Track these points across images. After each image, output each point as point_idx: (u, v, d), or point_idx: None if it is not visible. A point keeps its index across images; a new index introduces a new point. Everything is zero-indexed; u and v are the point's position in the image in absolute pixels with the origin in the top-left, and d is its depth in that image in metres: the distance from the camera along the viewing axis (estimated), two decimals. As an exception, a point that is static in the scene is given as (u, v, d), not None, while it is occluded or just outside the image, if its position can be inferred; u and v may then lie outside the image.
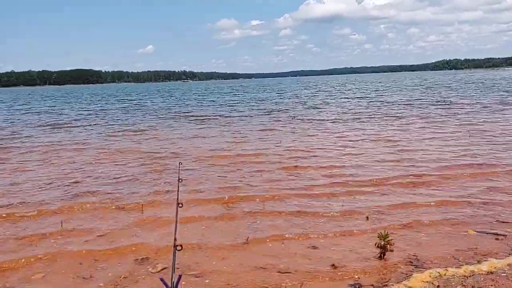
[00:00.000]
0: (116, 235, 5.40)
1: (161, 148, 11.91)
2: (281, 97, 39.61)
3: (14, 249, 5.05)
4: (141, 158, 10.45)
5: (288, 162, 9.36)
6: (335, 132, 14.15)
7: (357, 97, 33.02)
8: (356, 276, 4.09)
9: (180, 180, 3.39)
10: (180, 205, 2.85)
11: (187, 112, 24.50)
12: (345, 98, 33.04)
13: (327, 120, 17.79)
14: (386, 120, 16.89)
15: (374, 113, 19.75)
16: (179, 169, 3.70)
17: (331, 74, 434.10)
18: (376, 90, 44.05)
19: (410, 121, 16.15)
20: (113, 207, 6.51)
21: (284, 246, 4.87)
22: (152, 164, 9.59)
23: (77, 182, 8.07)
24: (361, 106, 24.30)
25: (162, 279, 2.19)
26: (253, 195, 6.85)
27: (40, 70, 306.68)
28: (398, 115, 18.44)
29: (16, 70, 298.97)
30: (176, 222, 2.63)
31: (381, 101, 27.03)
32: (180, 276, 2.21)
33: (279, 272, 4.23)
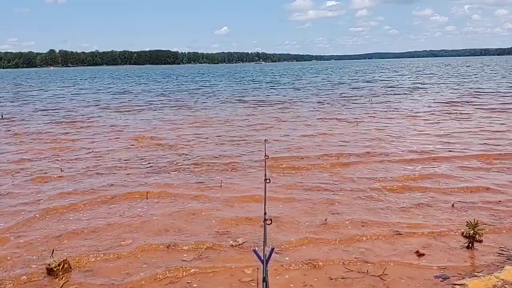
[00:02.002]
0: (198, 208, 5.59)
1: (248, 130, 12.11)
2: (357, 80, 38.51)
3: (104, 216, 5.40)
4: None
5: (369, 148, 9.13)
6: (426, 120, 13.52)
7: (451, 83, 30.14)
8: (442, 265, 3.92)
9: (267, 157, 3.41)
10: (268, 180, 2.88)
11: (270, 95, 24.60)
12: (435, 83, 30.39)
13: (418, 109, 15.51)
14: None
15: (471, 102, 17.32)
16: (265, 146, 3.73)
17: (409, 57, 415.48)
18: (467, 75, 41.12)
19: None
20: (195, 182, 6.76)
21: (364, 230, 4.77)
22: (233, 144, 9.79)
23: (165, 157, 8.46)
24: (455, 93, 21.43)
25: (255, 251, 2.22)
26: (332, 181, 6.76)
27: (122, 50, 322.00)
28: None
29: (100, 50, 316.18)
30: (265, 197, 2.66)
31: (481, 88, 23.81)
32: (272, 249, 2.23)
33: (360, 255, 4.16)
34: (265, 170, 3.13)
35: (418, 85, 28.31)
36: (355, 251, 4.25)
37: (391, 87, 27.32)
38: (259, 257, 2.22)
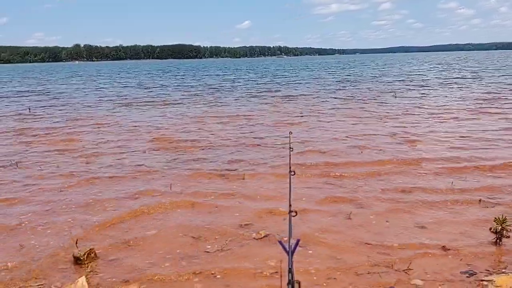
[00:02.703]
0: (220, 200, 5.62)
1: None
2: (382, 74, 37.96)
3: (129, 206, 5.48)
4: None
5: (397, 141, 9.02)
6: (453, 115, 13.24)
7: (480, 77, 28.92)
8: (469, 260, 3.85)
9: (291, 149, 3.39)
10: (293, 173, 2.86)
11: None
12: (464, 77, 29.06)
13: (449, 106, 14.67)
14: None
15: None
16: (289, 138, 3.71)
17: (434, 51, 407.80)
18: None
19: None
20: (217, 174, 6.80)
21: (389, 224, 4.72)
22: (256, 138, 9.80)
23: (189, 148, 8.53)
24: (487, 89, 20.45)
25: (280, 242, 2.21)
26: (357, 172, 6.70)
27: (145, 44, 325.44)
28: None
29: (124, 45, 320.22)
30: (290, 189, 2.65)
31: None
32: (298, 241, 2.22)
33: (385, 249, 4.12)
34: (289, 162, 3.11)
35: (447, 80, 27.48)
36: (379, 245, 4.21)
37: (417, 81, 26.69)
38: (284, 248, 2.20)
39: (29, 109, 16.23)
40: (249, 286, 3.54)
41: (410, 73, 37.82)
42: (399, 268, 3.74)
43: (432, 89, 21.12)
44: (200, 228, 4.74)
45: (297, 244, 2.24)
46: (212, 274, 3.76)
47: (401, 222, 4.76)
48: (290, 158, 3.18)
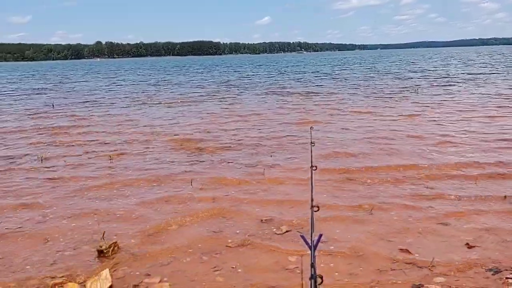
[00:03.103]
0: (241, 196, 5.64)
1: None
2: (405, 70, 37.40)
3: (151, 201, 5.55)
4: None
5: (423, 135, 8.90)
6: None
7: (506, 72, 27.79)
8: (494, 258, 3.78)
9: (313, 144, 3.38)
10: (314, 168, 2.86)
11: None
12: (490, 73, 27.76)
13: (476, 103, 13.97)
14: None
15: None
16: (310, 132, 3.70)
17: (457, 46, 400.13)
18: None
19: None
20: (237, 169, 6.83)
21: (411, 220, 4.67)
22: (276, 133, 9.80)
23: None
24: None
25: (303, 237, 2.22)
26: (378, 166, 6.64)
27: (165, 41, 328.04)
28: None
29: (144, 42, 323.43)
30: (311, 184, 2.65)
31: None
32: (320, 235, 2.22)
33: (407, 246, 4.07)
34: (311, 157, 3.11)
35: (473, 75, 26.57)
36: (402, 241, 4.16)
37: (441, 77, 25.93)
38: (306, 243, 2.21)
39: (53, 105, 16.54)
40: (270, 280, 3.54)
41: (433, 68, 37.03)
42: (422, 264, 3.69)
43: (457, 85, 20.44)
44: (220, 223, 4.77)
45: (319, 239, 2.24)
46: (233, 268, 3.78)
47: (424, 219, 4.70)
48: (311, 153, 3.17)
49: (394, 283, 3.43)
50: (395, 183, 5.94)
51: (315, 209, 2.44)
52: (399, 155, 7.39)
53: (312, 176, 2.72)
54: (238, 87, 24.34)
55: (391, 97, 16.32)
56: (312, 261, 2.12)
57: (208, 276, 3.67)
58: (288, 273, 3.67)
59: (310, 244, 2.22)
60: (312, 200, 2.50)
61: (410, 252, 3.94)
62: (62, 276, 3.66)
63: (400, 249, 4.01)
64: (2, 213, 5.28)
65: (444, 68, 36.38)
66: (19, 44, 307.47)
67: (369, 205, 5.11)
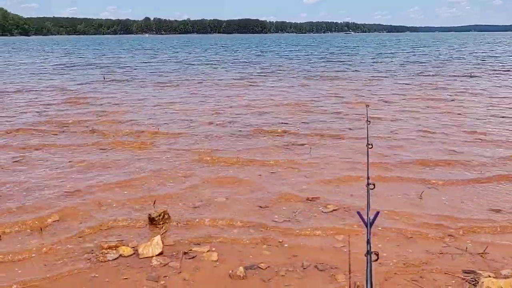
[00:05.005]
0: (287, 173, 5.65)
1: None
2: (454, 55, 35.76)
3: (199, 174, 5.66)
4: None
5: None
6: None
7: None
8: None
9: (369, 122, 3.33)
10: (370, 145, 2.81)
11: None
12: None
13: None
14: None
15: None
16: (366, 110, 3.64)
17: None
18: None
19: None
20: (284, 147, 6.85)
21: (463, 206, 4.54)
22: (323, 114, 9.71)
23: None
24: None
25: (359, 213, 2.20)
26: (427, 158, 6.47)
27: (212, 19, 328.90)
28: None
29: (191, 19, 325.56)
30: (368, 162, 2.61)
31: None
32: (377, 213, 2.19)
33: (458, 232, 3.97)
34: (367, 135, 3.06)
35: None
36: (453, 226, 4.06)
37: (498, 64, 23.54)
38: (363, 220, 2.20)
39: (104, 77, 17.04)
40: (316, 257, 3.56)
41: (488, 54, 34.84)
42: (474, 251, 3.60)
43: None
44: (267, 199, 4.81)
45: (376, 216, 2.22)
46: (280, 243, 3.82)
47: (477, 205, 4.56)
48: (367, 130, 3.13)
49: (444, 267, 3.36)
50: (448, 168, 5.78)
51: (371, 186, 2.42)
52: (453, 143, 7.16)
53: (368, 153, 2.69)
54: (285, 68, 24.11)
55: (444, 86, 15.65)
56: (368, 238, 2.11)
57: (255, 249, 3.73)
58: (336, 250, 3.67)
59: (367, 221, 2.20)
60: (368, 177, 2.47)
61: (462, 238, 3.84)
62: (117, 241, 3.81)
63: (451, 234, 3.92)
64: (58, 176, 5.54)
65: (501, 55, 34.12)
66: (72, 18, 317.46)
67: (419, 188, 5.01)
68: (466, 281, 3.14)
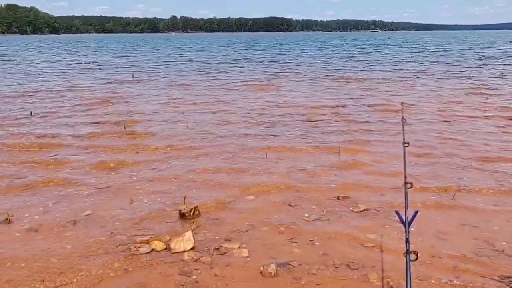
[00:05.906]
0: (317, 172, 5.63)
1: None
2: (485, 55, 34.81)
3: (227, 171, 5.69)
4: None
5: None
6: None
7: None
8: None
9: (404, 121, 3.28)
10: (407, 144, 2.77)
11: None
12: None
13: None
14: None
15: None
16: (402, 110, 3.59)
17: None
18: None
19: None
20: (313, 144, 6.82)
21: (497, 207, 4.43)
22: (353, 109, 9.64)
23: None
24: None
25: (397, 212, 2.18)
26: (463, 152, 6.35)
27: (238, 17, 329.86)
28: None
29: (217, 17, 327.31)
30: (405, 160, 2.58)
31: None
32: (416, 212, 2.17)
33: (493, 233, 3.88)
34: (403, 133, 3.02)
35: None
36: (488, 228, 3.97)
37: None
38: (401, 219, 2.18)
39: (133, 76, 17.30)
40: (347, 255, 3.53)
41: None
42: (510, 253, 3.51)
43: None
44: (296, 198, 4.79)
45: (414, 216, 2.20)
46: (311, 241, 3.80)
47: (508, 205, 4.45)
48: (403, 129, 3.08)
49: (480, 268, 3.29)
50: (482, 168, 5.65)
51: (409, 186, 2.38)
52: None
53: (404, 152, 2.65)
54: (313, 67, 24.01)
55: (476, 90, 15.31)
56: (407, 237, 2.09)
57: (286, 246, 3.73)
58: (367, 250, 3.63)
59: (404, 220, 2.18)
60: (405, 176, 2.44)
61: (496, 239, 3.74)
62: (150, 235, 3.87)
63: (485, 236, 3.82)
64: (92, 172, 5.67)
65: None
66: (100, 16, 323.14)
67: (452, 189, 4.91)
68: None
